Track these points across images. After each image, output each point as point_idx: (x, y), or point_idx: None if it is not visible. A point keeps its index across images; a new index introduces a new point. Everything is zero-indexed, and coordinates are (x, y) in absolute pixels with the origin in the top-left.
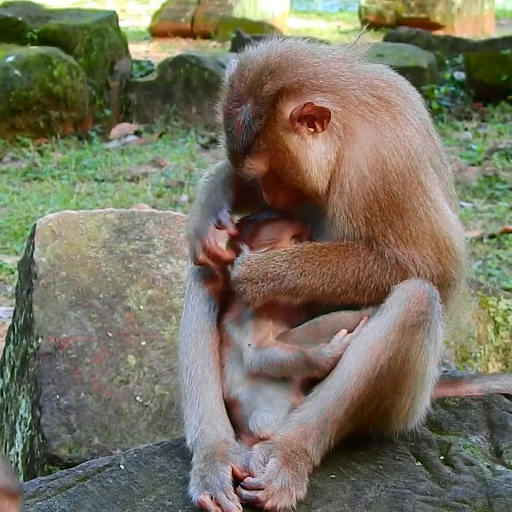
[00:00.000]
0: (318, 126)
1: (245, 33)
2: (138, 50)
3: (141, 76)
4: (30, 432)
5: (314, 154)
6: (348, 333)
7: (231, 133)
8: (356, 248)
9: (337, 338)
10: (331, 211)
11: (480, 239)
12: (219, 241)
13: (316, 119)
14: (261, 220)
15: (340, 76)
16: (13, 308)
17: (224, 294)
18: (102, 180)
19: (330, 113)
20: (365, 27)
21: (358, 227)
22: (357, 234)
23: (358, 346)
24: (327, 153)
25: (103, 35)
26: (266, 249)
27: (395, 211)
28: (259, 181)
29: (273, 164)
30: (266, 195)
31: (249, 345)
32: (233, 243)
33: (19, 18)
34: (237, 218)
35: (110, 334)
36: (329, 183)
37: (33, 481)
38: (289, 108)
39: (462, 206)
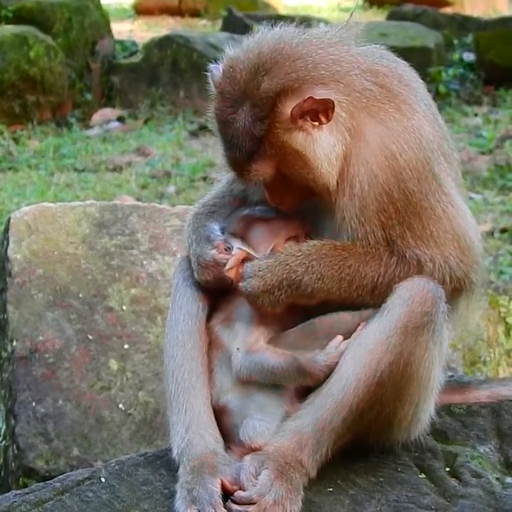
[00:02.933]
0: (322, 118)
1: (238, 11)
2: (121, 30)
3: (125, 57)
4: (4, 442)
5: (322, 148)
6: (347, 336)
7: (231, 140)
8: (377, 251)
9: (332, 345)
10: (340, 214)
11: (491, 233)
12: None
13: (320, 111)
14: (255, 217)
15: (341, 62)
16: None
17: (213, 293)
18: (82, 170)
19: (333, 103)
20: (359, 1)
21: (371, 232)
22: (372, 238)
23: (357, 349)
24: (336, 145)
25: (83, 13)
26: (265, 248)
27: (412, 211)
28: (264, 185)
29: (281, 167)
30: (271, 198)
31: (237, 349)
32: (226, 242)
33: None
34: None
35: (90, 337)
36: (337, 183)
37: (6, 495)
38: (289, 107)
39: (471, 198)
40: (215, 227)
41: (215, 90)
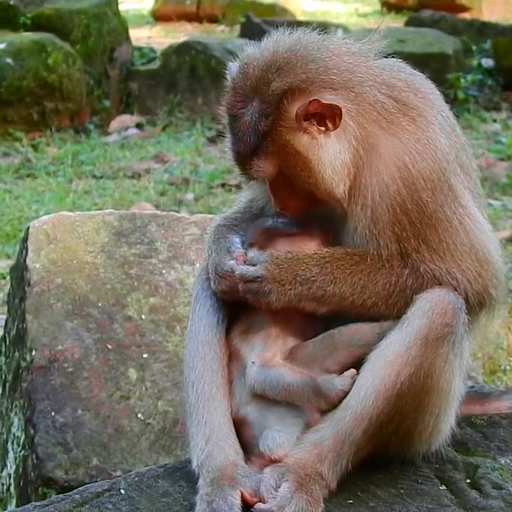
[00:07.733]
0: (329, 124)
1: (255, 17)
2: (139, 36)
3: (143, 64)
4: (23, 451)
5: (327, 154)
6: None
7: (237, 134)
8: (388, 261)
9: (348, 374)
10: (353, 224)
11: (510, 240)
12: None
13: (326, 116)
14: (278, 231)
15: (355, 71)
16: (4, 317)
17: (233, 304)
18: (101, 177)
19: (341, 110)
20: (383, 19)
21: (385, 245)
22: (386, 251)
23: (376, 361)
24: (341, 152)
25: (102, 19)
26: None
27: (427, 223)
28: (268, 185)
29: (283, 166)
30: (274, 201)
31: (253, 362)
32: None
33: (11, 2)
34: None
35: (109, 346)
36: (349, 192)
37: (26, 506)
38: (295, 107)
39: (491, 204)
40: (236, 240)
41: (228, 85)
